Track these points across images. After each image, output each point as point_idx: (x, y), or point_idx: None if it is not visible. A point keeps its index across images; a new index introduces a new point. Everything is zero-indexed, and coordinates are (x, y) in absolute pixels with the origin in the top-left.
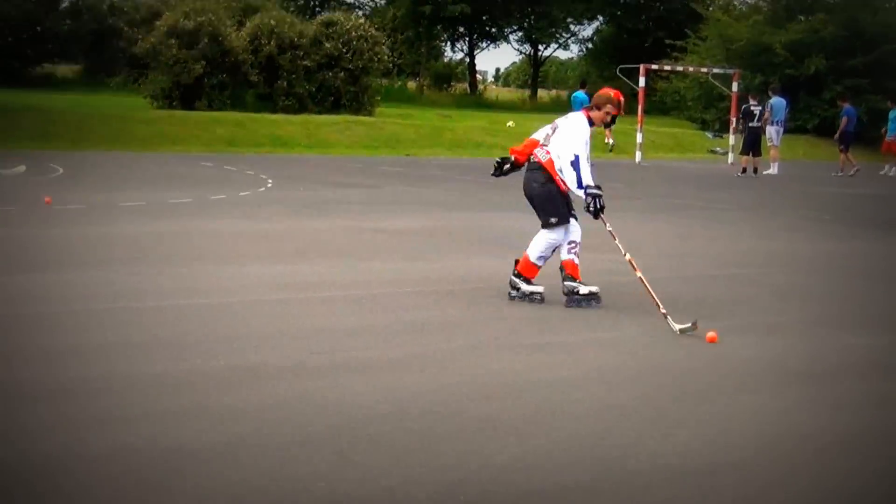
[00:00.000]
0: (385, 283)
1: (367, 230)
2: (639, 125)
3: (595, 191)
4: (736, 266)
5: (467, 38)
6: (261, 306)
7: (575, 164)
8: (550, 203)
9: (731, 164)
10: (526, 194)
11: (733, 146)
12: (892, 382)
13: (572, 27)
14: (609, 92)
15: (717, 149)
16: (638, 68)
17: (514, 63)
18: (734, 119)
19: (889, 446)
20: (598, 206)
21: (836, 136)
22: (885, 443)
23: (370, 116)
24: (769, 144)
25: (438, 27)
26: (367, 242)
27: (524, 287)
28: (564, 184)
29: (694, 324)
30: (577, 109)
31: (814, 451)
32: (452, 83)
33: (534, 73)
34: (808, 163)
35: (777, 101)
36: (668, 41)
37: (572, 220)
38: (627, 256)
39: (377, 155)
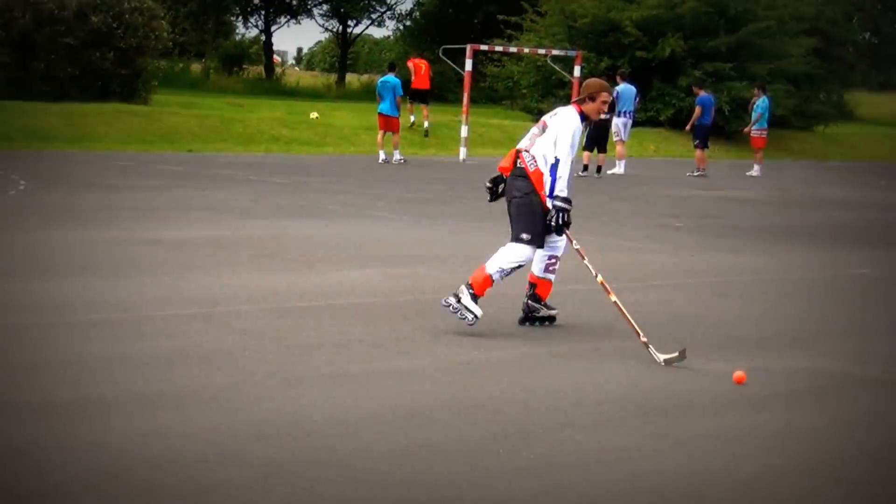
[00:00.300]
0: (151, 304)
1: (138, 242)
2: (464, 116)
3: (562, 204)
4: (576, 282)
5: (263, 13)
6: None
7: (553, 168)
8: (527, 216)
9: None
10: (507, 201)
11: None
12: (742, 416)
13: (388, 0)
14: (596, 79)
15: None
16: (464, 49)
17: (320, 42)
18: None
19: (731, 488)
20: (563, 220)
21: (688, 127)
22: (728, 486)
23: (145, 105)
24: (615, 139)
25: None
26: (136, 256)
27: (465, 299)
28: None
29: (681, 352)
30: (388, 97)
31: (655, 495)
32: (245, 66)
33: (342, 54)
34: (660, 161)
35: (625, 89)
36: (501, 17)
37: (555, 235)
38: (599, 278)
39: (153, 151)
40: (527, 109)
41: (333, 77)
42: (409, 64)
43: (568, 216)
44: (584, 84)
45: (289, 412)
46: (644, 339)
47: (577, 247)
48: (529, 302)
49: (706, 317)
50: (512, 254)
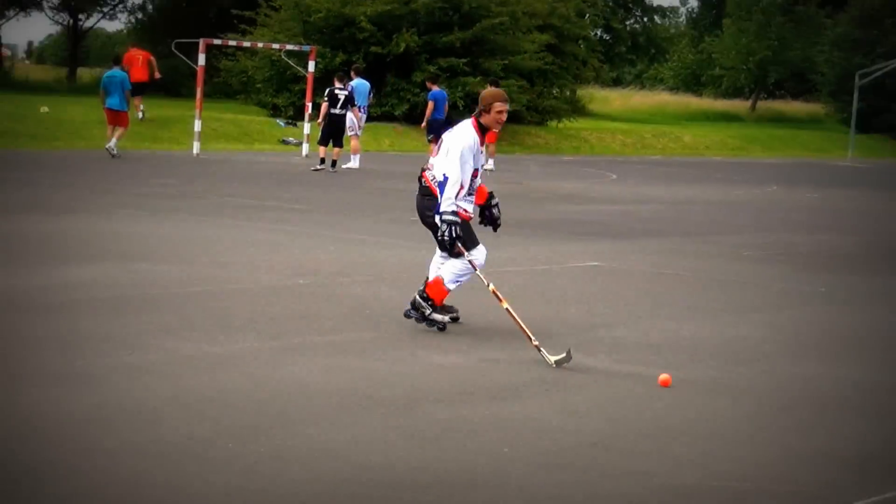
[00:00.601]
0: None
1: None
2: (197, 111)
3: (452, 217)
4: (307, 275)
5: None
6: None
7: (441, 185)
8: None
9: (306, 156)
10: (421, 221)
11: (308, 136)
12: (472, 407)
13: None
14: (490, 89)
15: (290, 139)
16: (197, 43)
17: (51, 36)
18: (310, 104)
19: (461, 478)
20: (454, 235)
21: (424, 123)
22: (458, 476)
23: None
24: (350, 134)
25: None
26: None
27: (428, 312)
28: (465, 211)
29: (568, 353)
30: (115, 91)
31: (385, 487)
32: None
33: (73, 48)
34: (395, 155)
35: (360, 85)
36: (235, 12)
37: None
38: (491, 287)
39: None
40: (261, 104)
41: (65, 71)
42: (125, 62)
43: (458, 230)
44: (481, 94)
45: (12, 411)
46: (536, 343)
47: (470, 258)
48: (419, 298)
49: None
50: (459, 267)
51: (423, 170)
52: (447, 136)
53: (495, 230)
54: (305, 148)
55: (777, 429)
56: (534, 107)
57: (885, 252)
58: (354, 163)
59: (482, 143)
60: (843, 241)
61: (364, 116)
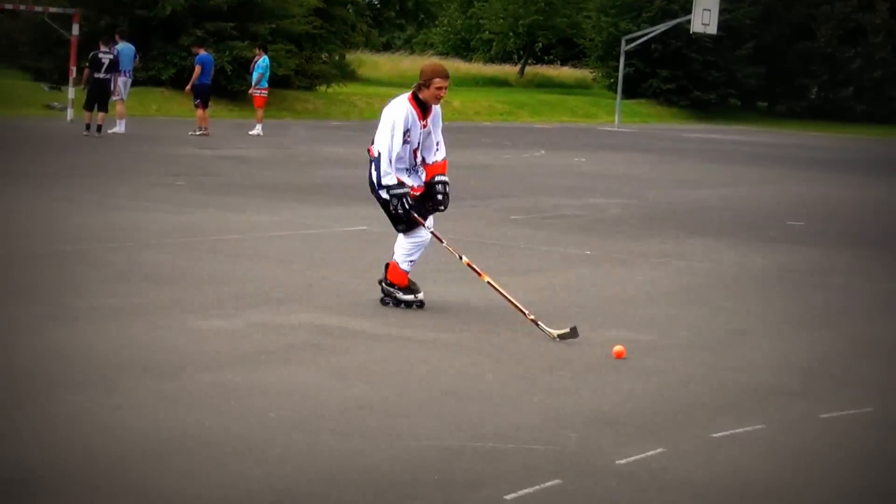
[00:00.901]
0: None
1: None
2: None
3: (399, 190)
4: (70, 242)
5: None
6: None
7: (375, 161)
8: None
9: (71, 121)
10: (371, 193)
11: (73, 100)
12: (238, 372)
13: None
14: (430, 63)
15: (56, 104)
16: None
17: None
18: (74, 68)
19: (225, 443)
20: (406, 206)
21: (188, 87)
22: (223, 440)
23: None
24: (115, 98)
25: None
26: None
27: (399, 296)
28: (413, 186)
29: (573, 329)
30: None
31: (149, 453)
32: None
33: None
34: (162, 119)
35: (125, 48)
36: None
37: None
38: (465, 259)
39: None
40: (25, 68)
41: None
42: None
43: (408, 200)
44: (421, 69)
45: None
46: (532, 317)
47: (433, 230)
48: (384, 285)
49: (201, 274)
50: (404, 244)
51: (372, 143)
52: (382, 113)
53: (440, 210)
54: (70, 113)
55: (541, 390)
56: (302, 71)
57: (650, 215)
58: (120, 127)
59: (422, 118)
60: (610, 205)
61: (129, 81)
